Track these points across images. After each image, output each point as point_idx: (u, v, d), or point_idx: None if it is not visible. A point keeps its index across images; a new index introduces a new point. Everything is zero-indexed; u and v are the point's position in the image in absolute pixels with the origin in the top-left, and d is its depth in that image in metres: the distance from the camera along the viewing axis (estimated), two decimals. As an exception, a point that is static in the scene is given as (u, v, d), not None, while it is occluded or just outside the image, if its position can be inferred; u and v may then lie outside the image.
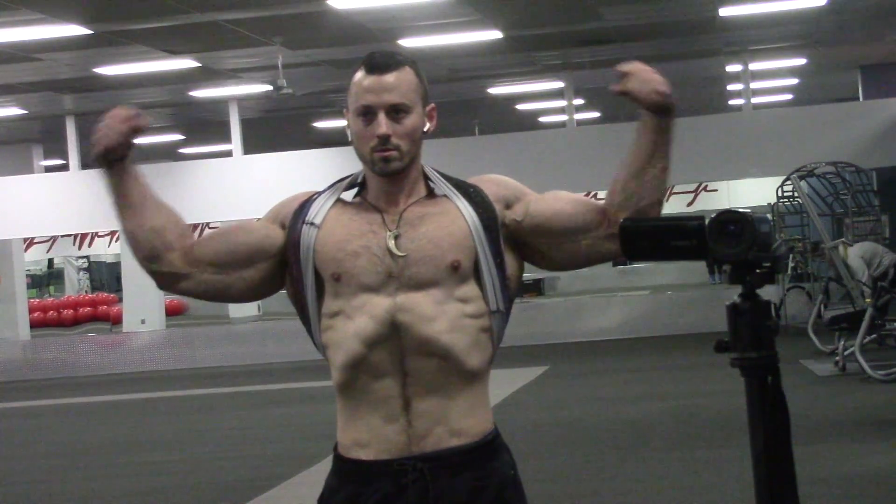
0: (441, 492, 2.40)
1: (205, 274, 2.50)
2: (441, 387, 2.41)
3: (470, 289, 2.45)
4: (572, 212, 2.49)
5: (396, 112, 2.43)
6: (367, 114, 2.43)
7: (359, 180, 2.53)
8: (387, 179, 2.46)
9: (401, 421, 2.40)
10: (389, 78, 2.44)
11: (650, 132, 2.43)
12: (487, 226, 2.46)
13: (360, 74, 2.46)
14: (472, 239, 2.44)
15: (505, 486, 2.46)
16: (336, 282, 2.43)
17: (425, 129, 2.50)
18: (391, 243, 2.42)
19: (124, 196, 2.49)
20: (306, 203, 2.51)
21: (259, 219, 2.58)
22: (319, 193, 2.53)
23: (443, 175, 2.55)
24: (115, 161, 2.46)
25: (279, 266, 2.51)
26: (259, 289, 2.54)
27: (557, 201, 2.52)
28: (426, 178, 2.53)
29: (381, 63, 2.45)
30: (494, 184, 2.54)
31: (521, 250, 2.53)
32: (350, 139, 2.49)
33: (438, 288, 2.42)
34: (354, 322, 2.41)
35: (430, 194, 2.51)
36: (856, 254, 12.72)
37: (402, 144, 2.43)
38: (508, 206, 2.51)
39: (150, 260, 2.50)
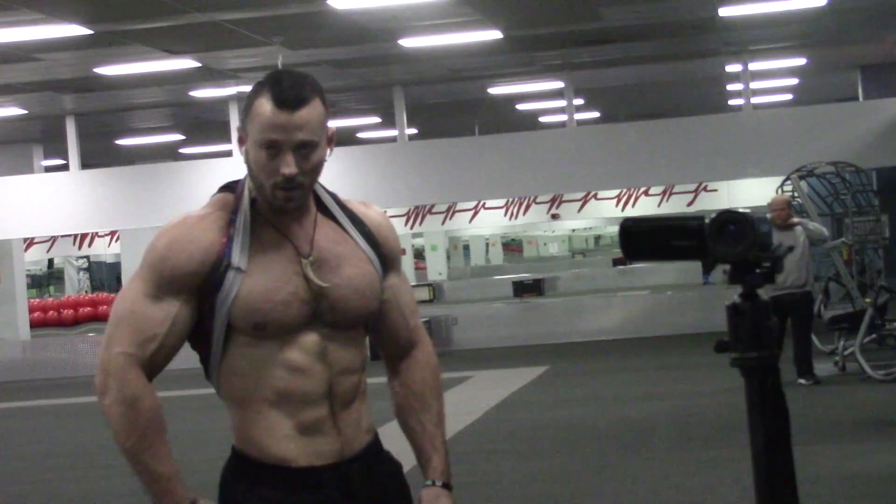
0: (373, 485, 2.54)
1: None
2: (356, 398, 2.54)
3: (364, 330, 2.61)
4: (396, 319, 2.63)
5: (303, 147, 2.41)
6: (273, 148, 2.40)
7: (248, 193, 2.49)
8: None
9: (332, 434, 2.49)
10: (301, 115, 2.39)
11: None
12: (381, 280, 2.58)
13: (267, 106, 2.39)
14: (378, 294, 2.56)
15: (398, 469, 2.64)
16: (259, 330, 2.44)
17: (326, 158, 2.50)
18: (309, 272, 2.45)
19: None
20: (209, 234, 2.46)
21: (150, 290, 2.44)
22: (232, 223, 2.46)
23: (329, 192, 2.59)
24: None
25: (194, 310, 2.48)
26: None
27: (401, 302, 2.64)
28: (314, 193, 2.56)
29: (291, 98, 2.39)
30: (389, 236, 2.62)
31: None
32: (246, 162, 2.46)
33: (356, 327, 2.55)
34: (282, 354, 2.45)
35: (323, 211, 2.55)
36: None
37: (305, 181, 2.44)
38: (390, 270, 2.61)
39: None
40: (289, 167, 2.39)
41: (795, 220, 10.98)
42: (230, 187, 2.54)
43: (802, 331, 10.65)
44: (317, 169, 2.46)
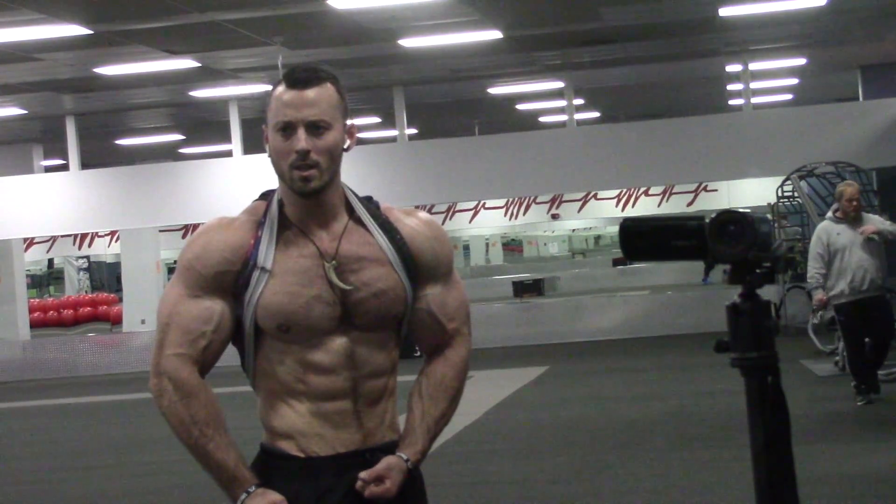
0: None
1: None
2: (382, 398, 2.60)
3: (395, 335, 2.63)
4: (431, 324, 2.65)
5: (316, 128, 2.46)
6: (287, 129, 2.46)
7: (276, 199, 2.56)
8: (307, 199, 2.51)
9: (354, 426, 2.55)
10: (310, 93, 2.47)
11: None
12: (408, 286, 2.59)
13: (280, 89, 2.49)
14: (406, 303, 2.58)
15: (419, 478, 2.65)
16: (283, 332, 2.50)
17: (345, 147, 2.53)
18: (332, 276, 2.50)
19: None
20: (240, 236, 2.53)
21: (190, 291, 2.53)
22: (261, 226, 2.53)
23: (361, 200, 2.60)
24: None
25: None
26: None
27: (438, 310, 2.65)
28: (346, 199, 2.58)
29: (302, 78, 2.48)
30: (425, 245, 2.62)
31: None
32: (268, 155, 2.52)
33: (384, 329, 2.58)
34: (309, 355, 2.52)
35: (356, 220, 2.57)
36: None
37: (321, 161, 2.47)
38: (429, 279, 2.63)
39: None
40: (300, 142, 2.45)
41: (870, 228, 9.26)
42: (266, 196, 2.61)
43: (883, 339, 9.31)
44: (331, 152, 2.48)
